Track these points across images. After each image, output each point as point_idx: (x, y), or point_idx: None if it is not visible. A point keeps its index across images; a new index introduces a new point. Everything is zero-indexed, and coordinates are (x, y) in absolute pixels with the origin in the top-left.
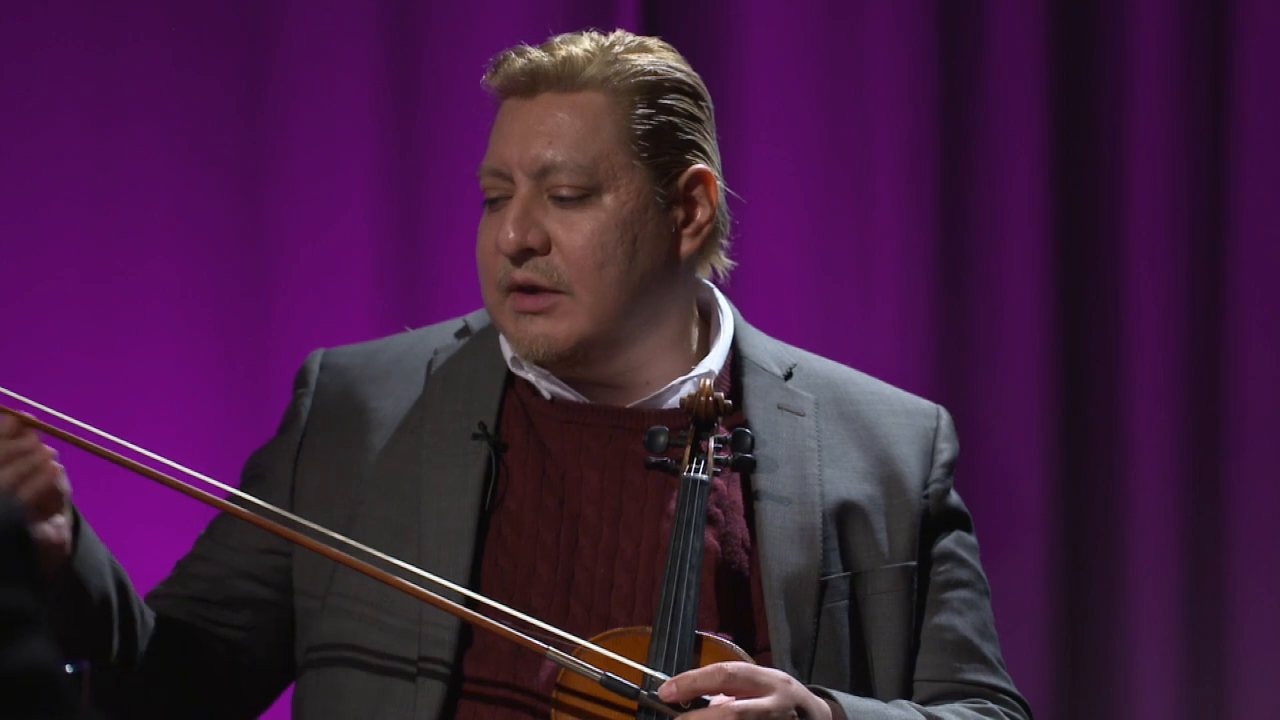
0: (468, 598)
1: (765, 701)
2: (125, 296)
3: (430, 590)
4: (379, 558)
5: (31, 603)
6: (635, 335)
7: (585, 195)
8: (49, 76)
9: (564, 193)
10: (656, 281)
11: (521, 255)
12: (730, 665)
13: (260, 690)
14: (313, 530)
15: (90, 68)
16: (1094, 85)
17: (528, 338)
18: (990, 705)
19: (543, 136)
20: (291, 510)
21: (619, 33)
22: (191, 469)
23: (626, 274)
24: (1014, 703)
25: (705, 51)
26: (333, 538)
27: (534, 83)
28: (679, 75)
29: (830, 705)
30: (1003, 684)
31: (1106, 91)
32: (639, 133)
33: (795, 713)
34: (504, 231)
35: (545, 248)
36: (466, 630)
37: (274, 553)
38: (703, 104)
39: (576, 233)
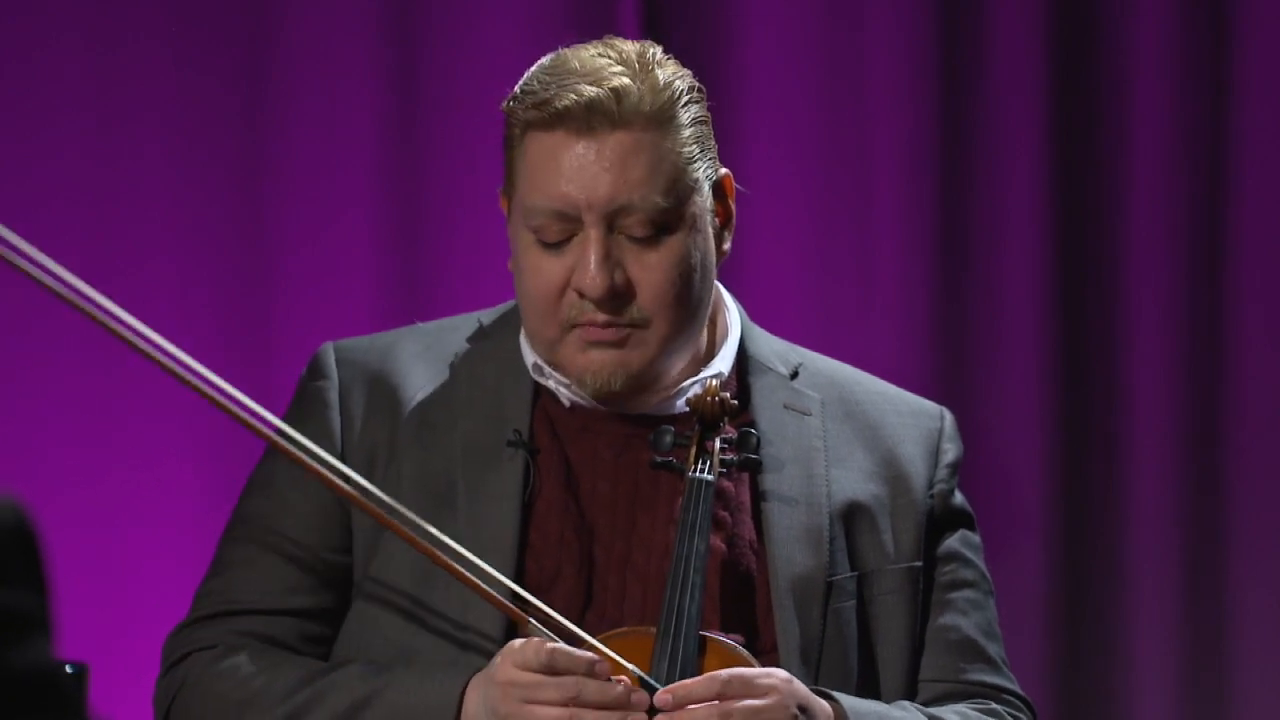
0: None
1: (758, 702)
2: (125, 296)
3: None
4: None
5: (34, 604)
6: (684, 348)
7: (659, 232)
8: (49, 76)
9: (639, 232)
10: (707, 294)
11: (607, 298)
12: (725, 672)
13: None
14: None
15: (90, 68)
16: (1094, 85)
17: (605, 371)
18: (994, 706)
19: (610, 176)
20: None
21: (625, 44)
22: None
23: (697, 300)
24: (1018, 703)
25: (705, 51)
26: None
27: (590, 119)
28: (691, 82)
29: (832, 707)
30: (1007, 684)
31: (1106, 92)
32: (688, 155)
33: (797, 711)
34: (587, 277)
35: (629, 289)
36: (508, 638)
37: (332, 550)
38: (707, 103)
39: (657, 272)
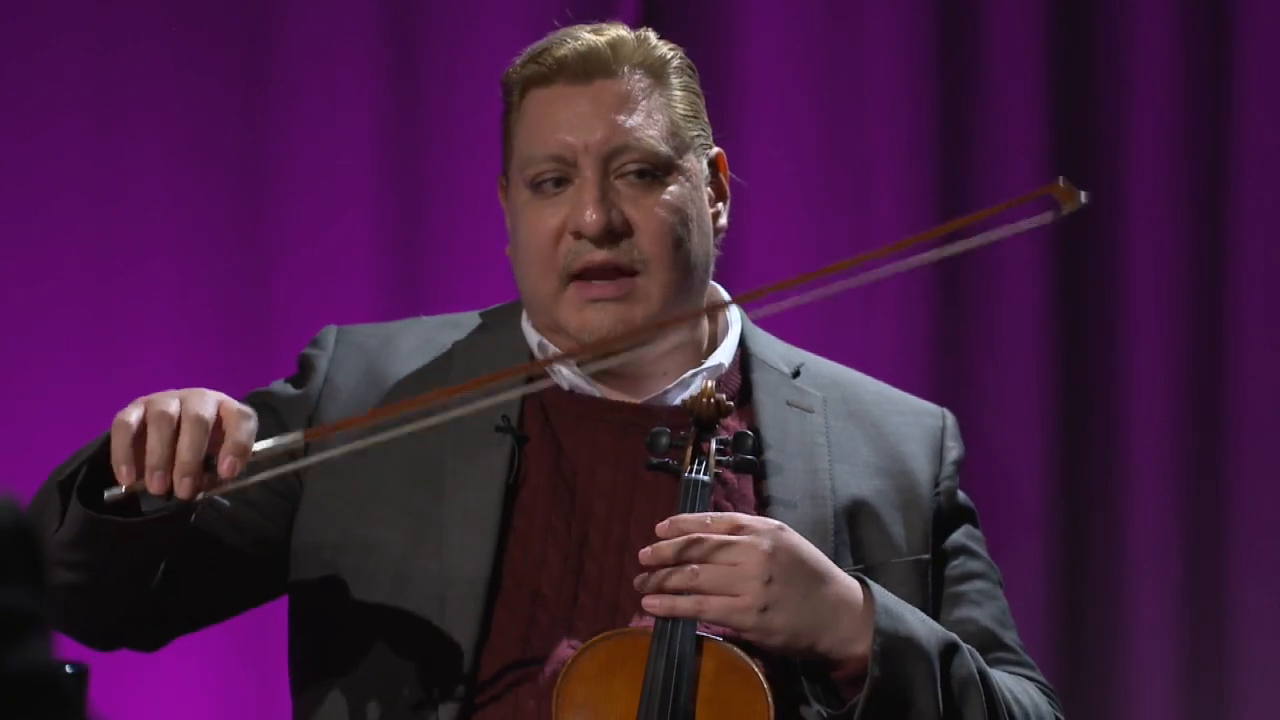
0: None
1: (733, 538)
2: (126, 295)
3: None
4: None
5: (33, 603)
6: (680, 304)
7: (655, 175)
8: (50, 76)
9: (635, 174)
10: (705, 261)
11: (605, 235)
12: (717, 515)
13: (190, 606)
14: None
15: (91, 68)
16: (1094, 85)
17: (604, 327)
18: (1027, 673)
19: (606, 120)
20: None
21: (620, 24)
22: None
23: (694, 251)
24: (1043, 686)
25: (705, 51)
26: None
27: (587, 68)
28: (686, 59)
29: (864, 590)
30: (1029, 672)
31: (1106, 92)
32: (682, 113)
33: (771, 552)
34: (585, 214)
35: (627, 228)
36: (485, 622)
37: (278, 494)
38: (699, 86)
39: (652, 213)
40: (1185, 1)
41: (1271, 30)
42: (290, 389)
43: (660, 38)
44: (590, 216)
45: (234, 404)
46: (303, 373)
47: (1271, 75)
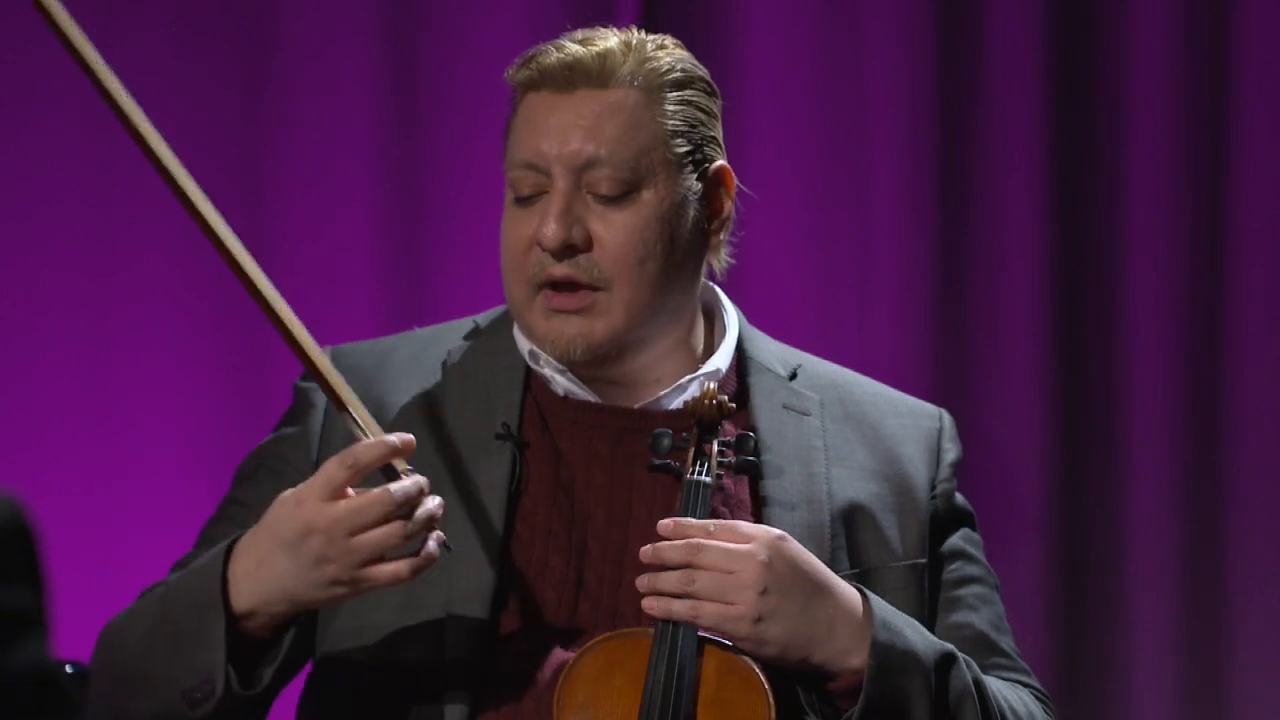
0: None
1: (732, 546)
2: (124, 295)
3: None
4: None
5: (33, 603)
6: (659, 332)
7: (626, 192)
8: (48, 76)
9: (605, 189)
10: (685, 278)
11: (564, 251)
12: (717, 522)
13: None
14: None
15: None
16: (1094, 85)
17: (564, 338)
18: (1022, 679)
19: (583, 131)
20: None
21: (634, 29)
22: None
23: (664, 270)
24: (1039, 693)
25: (705, 51)
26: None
27: (572, 77)
28: (700, 72)
29: (863, 601)
30: (1024, 678)
31: (1106, 91)
32: (672, 129)
33: (768, 562)
34: (546, 226)
35: (587, 244)
36: (491, 629)
37: None
38: (717, 101)
39: (618, 229)
40: (1185, 2)
41: (1272, 30)
42: (289, 429)
43: (677, 46)
44: (549, 230)
45: (359, 502)
46: (299, 405)
47: (1271, 76)
